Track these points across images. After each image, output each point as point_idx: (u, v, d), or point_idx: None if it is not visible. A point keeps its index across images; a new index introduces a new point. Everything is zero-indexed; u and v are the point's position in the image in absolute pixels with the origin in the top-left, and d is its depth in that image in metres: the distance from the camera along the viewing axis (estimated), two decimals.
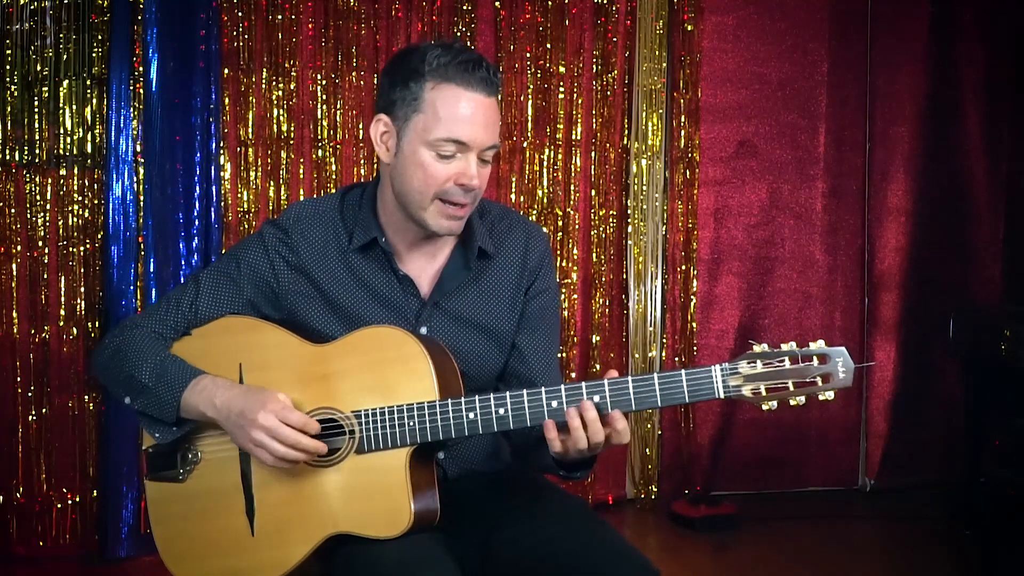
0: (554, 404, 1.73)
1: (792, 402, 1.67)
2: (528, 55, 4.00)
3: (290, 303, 1.93)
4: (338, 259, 1.93)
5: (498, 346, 1.97)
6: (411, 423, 1.76)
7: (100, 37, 3.56)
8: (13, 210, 3.55)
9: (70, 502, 3.60)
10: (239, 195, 3.74)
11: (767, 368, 1.67)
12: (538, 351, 2.00)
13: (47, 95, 3.54)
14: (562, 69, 4.03)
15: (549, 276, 2.03)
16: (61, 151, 3.56)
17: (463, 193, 1.83)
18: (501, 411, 1.74)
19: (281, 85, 3.76)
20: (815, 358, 1.67)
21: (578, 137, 4.08)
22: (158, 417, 1.87)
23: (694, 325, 4.28)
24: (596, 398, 1.71)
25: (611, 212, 4.16)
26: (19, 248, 3.56)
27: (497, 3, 3.97)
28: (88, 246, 3.60)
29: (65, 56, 3.54)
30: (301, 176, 3.80)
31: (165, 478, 1.91)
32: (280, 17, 3.75)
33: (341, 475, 1.79)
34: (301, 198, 3.77)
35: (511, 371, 1.99)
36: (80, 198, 3.59)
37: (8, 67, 3.50)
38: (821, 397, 1.67)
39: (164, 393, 1.85)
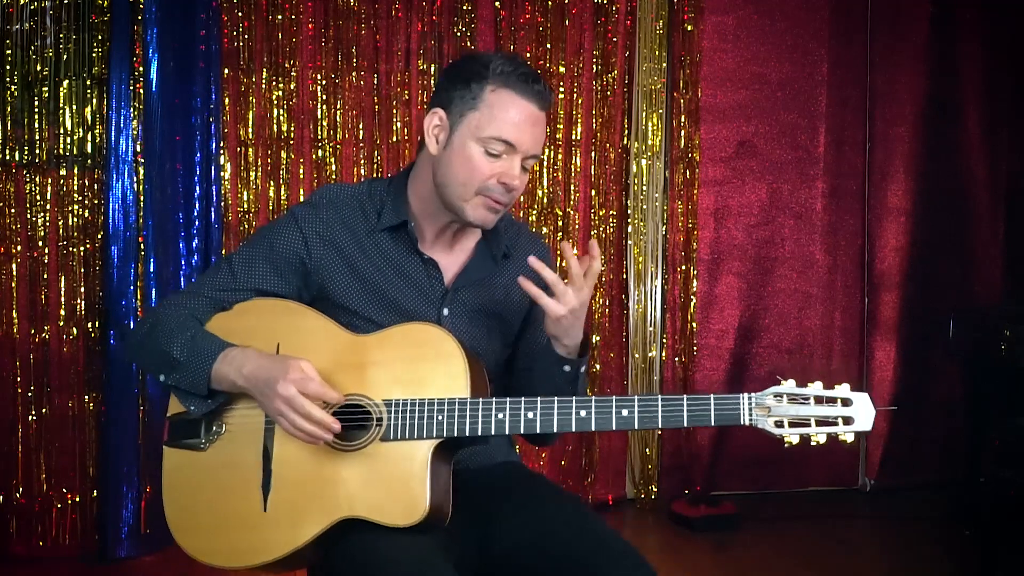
0: (583, 414, 1.79)
1: (813, 441, 1.76)
2: (528, 55, 4.00)
3: (320, 277, 1.97)
4: (366, 237, 1.99)
5: (503, 340, 2.07)
6: (439, 416, 1.81)
7: (100, 37, 3.56)
8: (13, 210, 3.55)
9: (70, 502, 3.60)
10: (239, 195, 3.74)
11: (792, 404, 1.76)
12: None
13: (47, 95, 3.54)
14: (562, 69, 4.03)
15: None
16: (61, 151, 3.56)
17: (503, 192, 1.93)
18: (530, 415, 1.80)
19: (281, 85, 3.76)
20: (839, 400, 1.75)
21: (578, 137, 4.08)
22: (191, 391, 1.89)
23: (694, 325, 4.28)
24: (624, 412, 1.78)
25: (611, 212, 4.16)
26: (19, 248, 3.56)
27: (497, 3, 3.97)
28: (88, 246, 3.60)
29: (65, 56, 3.54)
30: (301, 176, 3.80)
31: (187, 446, 1.91)
32: (280, 17, 3.75)
33: (363, 460, 1.82)
34: (301, 198, 3.78)
35: (524, 356, 2.09)
36: (80, 198, 3.59)
37: (8, 67, 3.51)
38: (841, 438, 1.76)
39: (196, 366, 1.87)
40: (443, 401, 1.81)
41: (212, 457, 1.90)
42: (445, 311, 1.98)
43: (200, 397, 1.89)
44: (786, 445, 1.76)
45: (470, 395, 1.81)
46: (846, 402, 1.75)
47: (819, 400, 1.76)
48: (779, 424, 1.75)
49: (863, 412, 1.75)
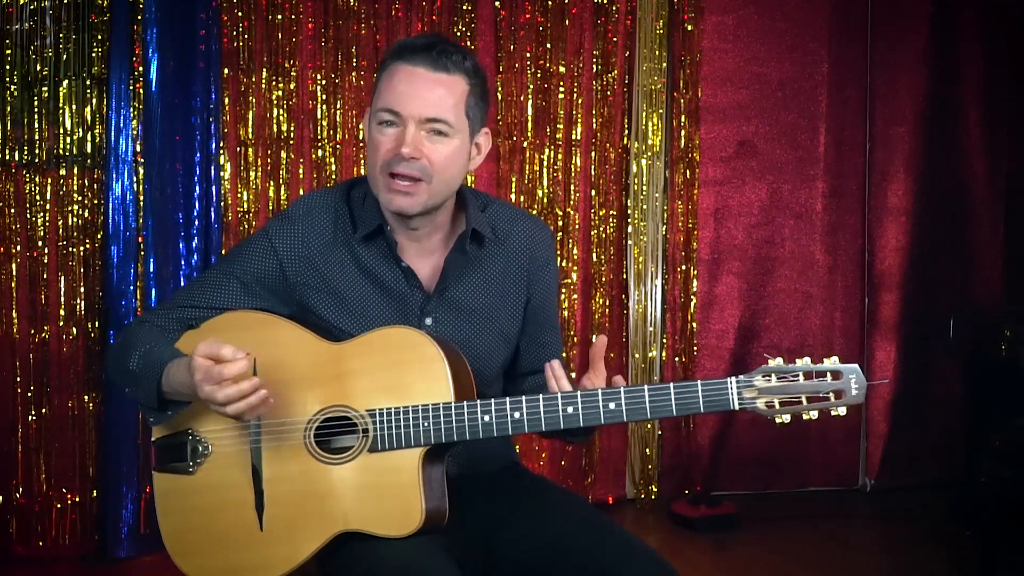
0: (569, 410, 1.75)
1: (805, 416, 1.72)
2: (528, 55, 4.00)
3: (300, 295, 1.93)
4: (344, 248, 1.94)
5: (502, 337, 1.99)
6: (426, 424, 1.77)
7: (100, 37, 3.56)
8: (13, 210, 3.55)
9: (70, 502, 3.60)
10: (239, 195, 3.74)
11: (781, 382, 1.72)
12: (557, 348, 2.05)
13: (47, 95, 3.53)
14: (562, 69, 4.03)
15: (556, 269, 2.08)
16: (61, 151, 3.56)
17: (403, 163, 1.84)
18: (516, 415, 1.77)
19: (281, 85, 3.76)
20: (829, 374, 1.72)
21: (578, 137, 4.08)
22: (146, 404, 1.88)
23: (694, 325, 4.28)
24: (611, 405, 1.74)
25: (611, 212, 4.16)
26: (19, 248, 3.56)
27: (497, 3, 3.97)
28: (88, 246, 3.60)
29: (65, 56, 3.54)
30: (301, 176, 3.80)
31: (174, 470, 1.90)
32: (280, 17, 3.75)
33: (353, 473, 1.80)
34: None
35: (536, 366, 2.01)
36: (80, 198, 3.59)
37: (8, 67, 3.50)
38: (833, 413, 1.72)
39: (147, 378, 1.85)
40: (427, 407, 1.77)
41: (201, 479, 1.88)
42: (428, 320, 1.93)
43: (156, 409, 1.87)
44: (778, 423, 1.72)
45: (454, 398, 1.78)
46: (836, 375, 1.72)
47: (808, 375, 1.72)
48: (770, 405, 1.71)
49: (854, 384, 1.71)
